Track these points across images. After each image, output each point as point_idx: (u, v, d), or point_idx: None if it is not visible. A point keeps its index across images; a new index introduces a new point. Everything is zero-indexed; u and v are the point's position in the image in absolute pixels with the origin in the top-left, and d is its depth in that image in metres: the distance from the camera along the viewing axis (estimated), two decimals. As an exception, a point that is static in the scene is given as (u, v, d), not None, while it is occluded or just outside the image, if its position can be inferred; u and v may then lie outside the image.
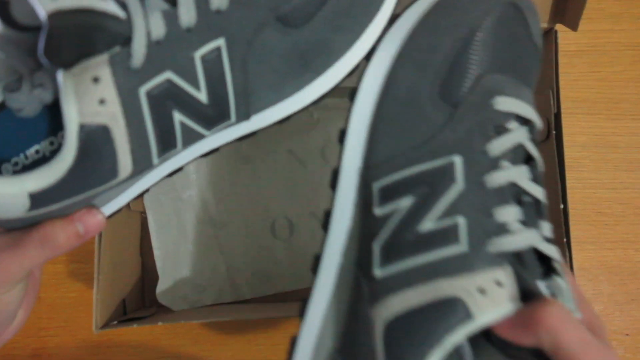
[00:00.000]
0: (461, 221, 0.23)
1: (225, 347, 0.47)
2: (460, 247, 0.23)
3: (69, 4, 0.20)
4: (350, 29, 0.26)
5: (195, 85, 0.24)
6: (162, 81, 0.23)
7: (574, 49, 0.49)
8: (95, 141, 0.23)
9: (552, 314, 0.20)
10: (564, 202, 0.37)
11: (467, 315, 0.22)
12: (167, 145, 0.25)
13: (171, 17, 0.23)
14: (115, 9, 0.21)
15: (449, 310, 0.22)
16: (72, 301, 0.47)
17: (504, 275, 0.22)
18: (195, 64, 0.24)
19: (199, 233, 0.46)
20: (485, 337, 0.23)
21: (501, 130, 0.25)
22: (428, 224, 0.24)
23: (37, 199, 0.23)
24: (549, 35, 0.39)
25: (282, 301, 0.46)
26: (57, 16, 0.20)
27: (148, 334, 0.47)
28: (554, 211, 0.37)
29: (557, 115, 0.38)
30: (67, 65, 0.21)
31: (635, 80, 0.49)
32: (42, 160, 0.27)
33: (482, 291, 0.22)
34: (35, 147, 0.27)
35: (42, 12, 0.20)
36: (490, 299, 0.22)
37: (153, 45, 0.22)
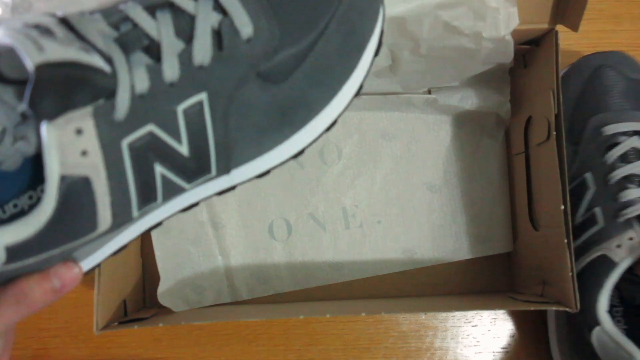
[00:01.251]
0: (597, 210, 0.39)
1: (225, 347, 0.47)
2: (598, 226, 0.39)
3: (57, 57, 0.20)
4: (328, 85, 0.27)
5: (177, 138, 0.25)
6: (144, 134, 0.24)
7: (575, 49, 0.49)
8: (76, 193, 0.23)
9: None
10: (565, 202, 0.37)
11: (612, 264, 0.37)
12: (147, 198, 0.25)
13: (155, 72, 0.23)
14: (100, 63, 0.22)
15: (601, 264, 0.38)
16: (73, 302, 0.47)
17: (634, 233, 0.37)
18: (178, 117, 0.24)
19: (198, 234, 0.46)
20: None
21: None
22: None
23: (14, 252, 0.23)
24: (550, 35, 0.39)
25: (281, 302, 0.46)
26: (44, 68, 0.20)
27: (149, 335, 0.47)
28: (555, 211, 0.37)
29: (558, 116, 0.38)
30: (51, 116, 0.21)
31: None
32: (20, 215, 0.27)
33: (619, 246, 0.37)
34: (14, 201, 0.27)
35: (29, 64, 0.20)
36: (625, 250, 0.37)
37: (137, 99, 0.23)
